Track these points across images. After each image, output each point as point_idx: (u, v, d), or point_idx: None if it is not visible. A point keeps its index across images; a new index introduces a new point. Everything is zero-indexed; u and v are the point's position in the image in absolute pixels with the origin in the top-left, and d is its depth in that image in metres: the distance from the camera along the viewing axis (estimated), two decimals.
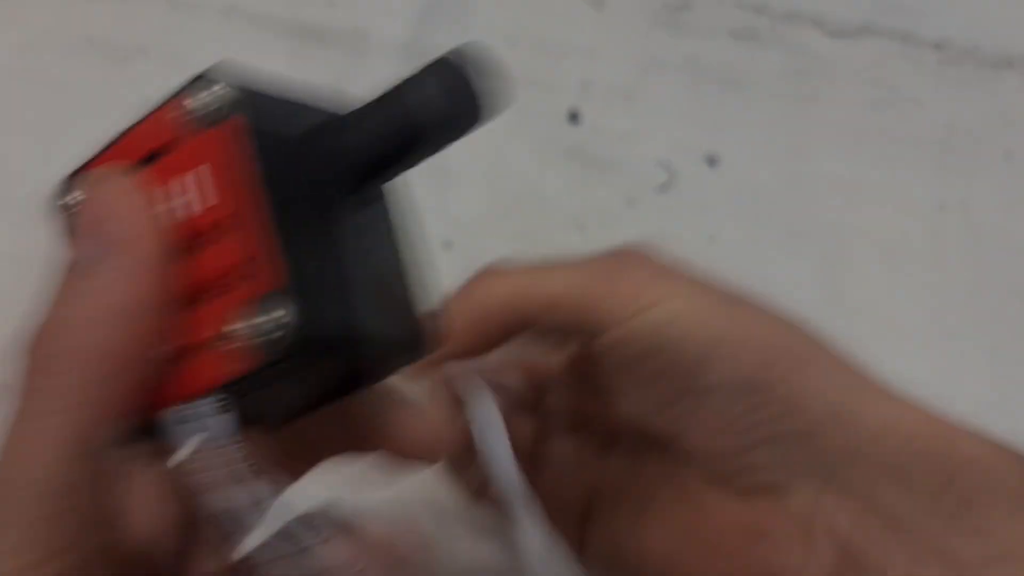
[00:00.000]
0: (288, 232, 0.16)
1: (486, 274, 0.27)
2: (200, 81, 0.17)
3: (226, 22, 0.45)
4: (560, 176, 0.42)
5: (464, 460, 0.26)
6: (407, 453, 0.21)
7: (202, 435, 0.16)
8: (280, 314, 0.15)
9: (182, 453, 0.16)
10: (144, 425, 0.16)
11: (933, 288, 0.39)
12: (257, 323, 0.15)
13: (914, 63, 0.44)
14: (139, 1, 0.46)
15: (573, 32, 0.45)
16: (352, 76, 0.44)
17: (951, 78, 0.44)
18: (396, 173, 0.17)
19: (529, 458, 0.27)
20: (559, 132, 0.43)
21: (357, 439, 0.20)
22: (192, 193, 0.17)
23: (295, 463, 0.20)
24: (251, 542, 0.16)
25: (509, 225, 0.41)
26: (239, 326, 0.16)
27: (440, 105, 0.17)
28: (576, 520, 0.28)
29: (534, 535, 0.26)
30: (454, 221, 0.41)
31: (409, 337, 0.19)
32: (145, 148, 0.18)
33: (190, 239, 0.17)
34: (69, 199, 0.18)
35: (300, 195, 0.16)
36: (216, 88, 0.17)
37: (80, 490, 0.16)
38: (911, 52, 0.45)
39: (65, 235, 0.18)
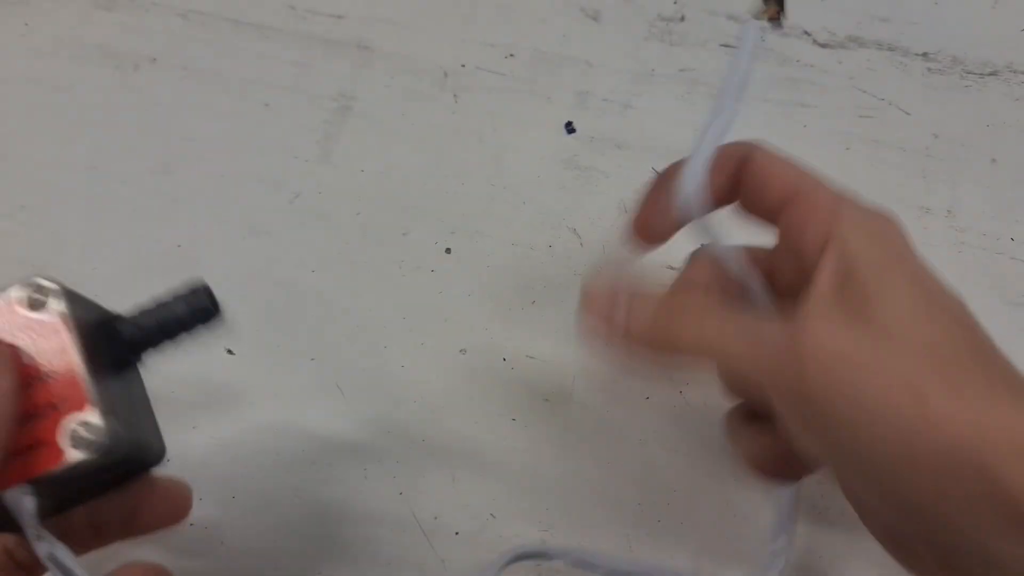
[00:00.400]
0: (96, 381, 0.25)
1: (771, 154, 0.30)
2: (35, 284, 0.26)
3: (235, 33, 0.47)
4: (557, 184, 0.43)
5: None
6: (155, 522, 0.29)
7: (23, 508, 0.24)
8: (91, 431, 0.24)
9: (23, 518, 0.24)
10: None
11: None
12: (78, 433, 0.24)
13: (902, 72, 0.45)
14: (150, 11, 0.47)
15: (570, 43, 0.46)
16: (357, 87, 0.45)
17: (938, 87, 0.45)
18: (157, 350, 0.29)
19: None
20: (556, 141, 0.44)
21: (128, 519, 0.29)
22: (33, 350, 0.25)
23: (99, 539, 0.29)
24: None
25: (507, 232, 0.42)
26: (63, 431, 0.24)
27: (187, 315, 0.28)
28: None
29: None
30: (454, 228, 0.42)
31: (159, 447, 0.29)
32: None
33: (31, 377, 0.25)
34: None
35: (103, 359, 0.26)
36: (47, 288, 0.26)
37: None
38: (899, 61, 0.46)
39: None
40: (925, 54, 0.46)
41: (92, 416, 0.24)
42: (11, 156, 0.44)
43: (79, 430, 0.24)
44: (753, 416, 0.30)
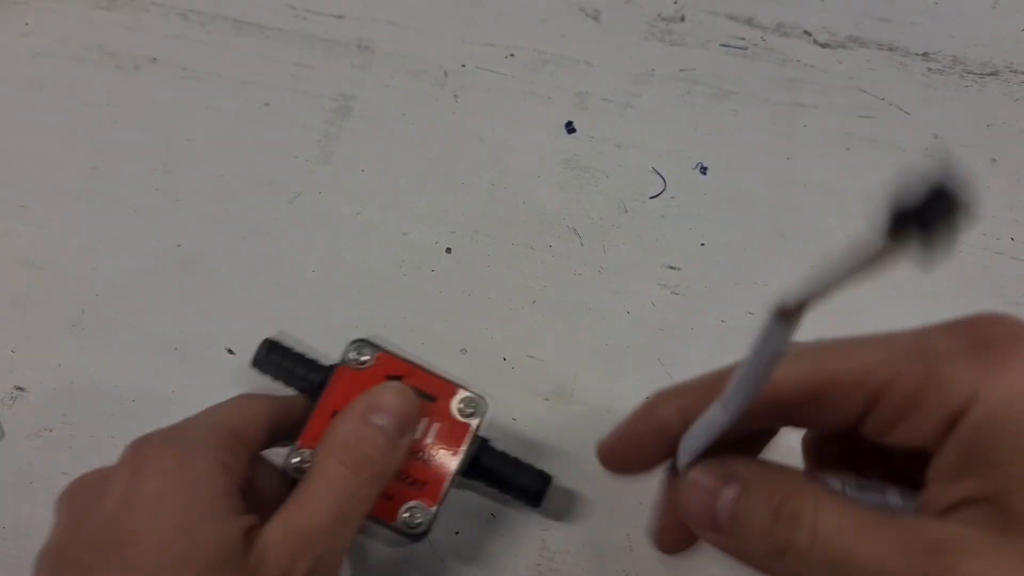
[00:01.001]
0: (450, 481, 0.31)
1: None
2: (475, 400, 0.32)
3: (235, 33, 0.47)
4: (557, 184, 0.43)
5: None
6: None
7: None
8: (421, 521, 0.30)
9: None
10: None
11: (918, 291, 0.40)
12: (412, 517, 0.30)
13: (901, 72, 0.45)
14: (150, 11, 0.47)
15: (570, 43, 0.46)
16: (357, 87, 0.45)
17: (938, 87, 0.45)
18: (481, 483, 0.34)
19: None
20: (556, 141, 0.44)
21: None
22: (428, 430, 0.32)
23: None
24: None
25: (507, 231, 0.42)
26: (407, 505, 0.31)
27: (520, 485, 0.33)
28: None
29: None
30: (454, 228, 0.42)
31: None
32: (425, 389, 0.32)
33: (416, 450, 0.31)
34: (356, 355, 0.32)
35: (474, 469, 0.32)
36: (478, 406, 0.32)
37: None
38: (899, 61, 0.46)
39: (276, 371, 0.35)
40: (925, 54, 0.46)
41: (430, 514, 0.30)
42: (12, 156, 0.44)
43: (415, 515, 0.30)
44: None
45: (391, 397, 0.30)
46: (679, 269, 0.41)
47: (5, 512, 0.36)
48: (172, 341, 0.39)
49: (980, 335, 0.21)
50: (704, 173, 0.43)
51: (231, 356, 0.39)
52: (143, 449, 0.27)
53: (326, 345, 0.38)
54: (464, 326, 0.40)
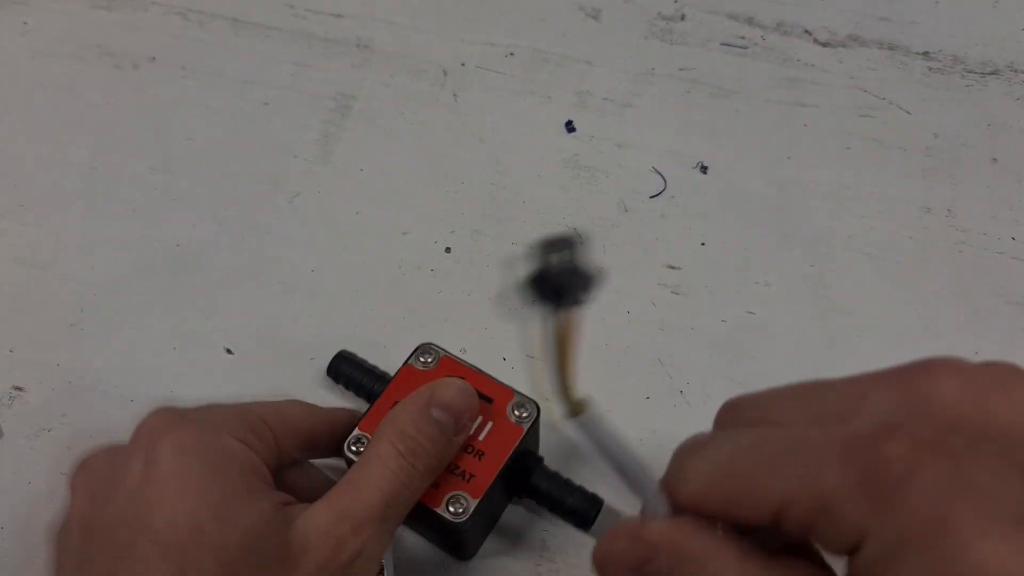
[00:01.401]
0: (494, 485, 0.31)
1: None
2: (526, 401, 0.33)
3: (235, 32, 0.47)
4: (557, 183, 0.43)
5: None
6: None
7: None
8: (463, 510, 0.31)
9: None
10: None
11: (919, 290, 0.40)
12: (455, 505, 0.31)
13: (902, 71, 0.45)
14: (149, 10, 0.47)
15: (571, 42, 0.46)
16: (357, 87, 0.45)
17: (938, 86, 0.45)
18: (532, 502, 0.35)
19: None
20: (556, 141, 0.44)
21: None
22: (482, 428, 0.32)
23: None
24: None
25: (507, 231, 0.42)
26: (452, 494, 0.31)
27: (570, 507, 0.34)
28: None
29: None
30: (454, 227, 0.42)
31: (474, 551, 0.35)
32: (483, 390, 0.33)
33: (467, 444, 0.32)
34: (423, 359, 0.34)
35: (506, 475, 0.32)
36: (528, 407, 0.33)
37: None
38: (899, 61, 0.46)
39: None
40: (926, 53, 0.46)
41: (473, 503, 0.31)
42: (11, 156, 0.44)
43: (460, 502, 0.31)
44: None
45: (453, 393, 0.30)
46: (679, 269, 0.41)
47: (4, 512, 0.36)
48: (171, 341, 0.39)
49: (873, 462, 0.19)
50: (704, 173, 0.43)
51: (230, 356, 0.39)
52: (156, 425, 0.27)
53: (327, 345, 0.38)
54: (464, 326, 0.40)
